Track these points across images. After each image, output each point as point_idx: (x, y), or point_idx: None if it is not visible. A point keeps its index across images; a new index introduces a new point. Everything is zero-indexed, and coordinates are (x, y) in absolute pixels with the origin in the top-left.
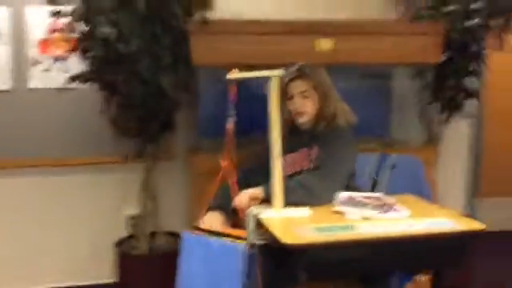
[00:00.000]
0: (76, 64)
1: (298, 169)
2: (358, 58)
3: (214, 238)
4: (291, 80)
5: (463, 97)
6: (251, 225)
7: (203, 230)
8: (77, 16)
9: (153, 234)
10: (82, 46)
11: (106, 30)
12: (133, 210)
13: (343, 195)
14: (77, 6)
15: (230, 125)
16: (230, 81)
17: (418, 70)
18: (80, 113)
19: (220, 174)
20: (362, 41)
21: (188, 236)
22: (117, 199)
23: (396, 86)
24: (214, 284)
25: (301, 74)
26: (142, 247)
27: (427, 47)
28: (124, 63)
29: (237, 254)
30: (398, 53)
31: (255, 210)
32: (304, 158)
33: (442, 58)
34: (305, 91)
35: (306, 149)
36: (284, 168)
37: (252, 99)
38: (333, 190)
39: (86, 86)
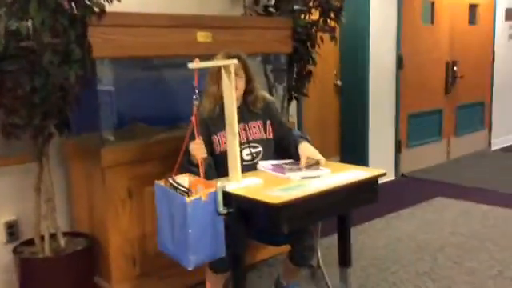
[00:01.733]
0: None
1: (252, 138)
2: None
3: (172, 190)
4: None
5: (304, 80)
6: (219, 196)
7: (169, 182)
8: None
9: (52, 236)
10: None
11: (16, 24)
12: (9, 216)
13: (266, 163)
14: None
15: (195, 107)
16: (192, 70)
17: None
18: None
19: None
20: (233, 34)
21: (157, 186)
22: None
23: None
24: (175, 227)
25: (236, 57)
26: (44, 250)
27: (281, 39)
28: (24, 57)
29: (184, 207)
30: (260, 44)
31: (220, 184)
32: (259, 130)
33: (291, 48)
34: (237, 70)
35: (260, 122)
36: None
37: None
38: None
39: None
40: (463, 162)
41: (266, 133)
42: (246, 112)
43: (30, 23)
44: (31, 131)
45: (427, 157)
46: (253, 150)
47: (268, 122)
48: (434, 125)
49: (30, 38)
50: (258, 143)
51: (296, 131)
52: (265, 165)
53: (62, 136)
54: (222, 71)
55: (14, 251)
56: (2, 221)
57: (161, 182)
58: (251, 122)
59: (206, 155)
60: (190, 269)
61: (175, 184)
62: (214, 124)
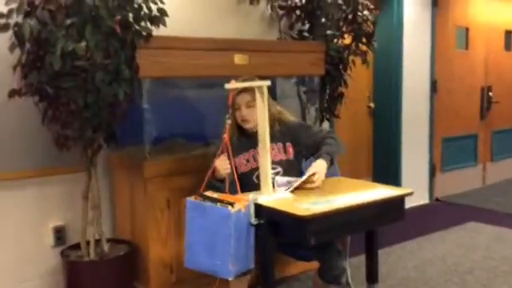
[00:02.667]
0: None
1: (271, 159)
2: (266, 71)
3: (208, 203)
4: (239, 93)
5: (336, 101)
6: (251, 208)
7: (202, 197)
8: (27, 31)
9: (97, 242)
10: (31, 59)
11: (73, 45)
12: (57, 221)
13: (282, 180)
14: (26, 22)
15: (227, 125)
16: (228, 90)
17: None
18: None
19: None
20: (269, 57)
21: (190, 201)
22: (40, 212)
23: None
24: (212, 241)
25: (246, 88)
26: (90, 254)
27: (315, 62)
28: (78, 75)
29: (226, 218)
30: (294, 66)
31: (252, 196)
32: (279, 151)
33: (324, 70)
34: (250, 101)
35: (280, 144)
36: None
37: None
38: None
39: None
40: (499, 187)
41: (285, 153)
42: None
43: (84, 45)
44: (82, 143)
45: (462, 181)
46: (272, 171)
47: (288, 143)
48: (469, 150)
49: (85, 58)
50: (278, 164)
51: (328, 144)
52: (280, 181)
53: (109, 148)
54: (256, 92)
55: (62, 254)
56: (50, 226)
57: (192, 198)
58: (271, 143)
59: (229, 170)
60: (230, 279)
61: (213, 198)
62: (233, 149)
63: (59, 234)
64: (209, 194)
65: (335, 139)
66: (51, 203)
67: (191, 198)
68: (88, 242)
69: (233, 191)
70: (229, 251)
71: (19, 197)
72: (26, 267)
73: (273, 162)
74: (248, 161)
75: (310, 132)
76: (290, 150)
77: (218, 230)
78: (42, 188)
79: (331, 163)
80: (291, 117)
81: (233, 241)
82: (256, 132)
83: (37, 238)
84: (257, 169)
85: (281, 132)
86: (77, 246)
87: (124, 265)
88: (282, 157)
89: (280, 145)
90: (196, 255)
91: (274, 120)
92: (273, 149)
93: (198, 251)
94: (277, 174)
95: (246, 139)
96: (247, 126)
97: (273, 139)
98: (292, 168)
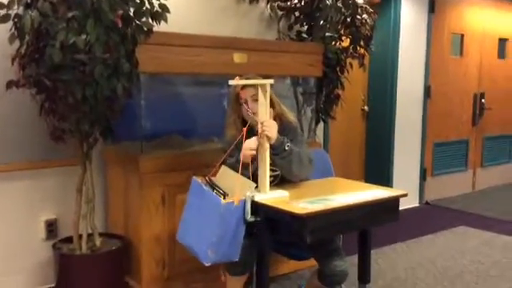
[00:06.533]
0: None
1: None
2: (265, 70)
3: (207, 188)
4: (243, 87)
5: (333, 103)
6: (247, 205)
7: (207, 180)
8: (28, 22)
9: (89, 236)
10: (30, 51)
11: (74, 38)
12: (50, 214)
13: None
14: (27, 14)
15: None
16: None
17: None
18: None
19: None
20: (268, 56)
21: (195, 181)
22: (32, 205)
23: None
24: (202, 223)
25: (248, 83)
26: (82, 248)
27: (312, 63)
28: (77, 68)
29: (216, 206)
30: (291, 67)
31: (249, 193)
32: None
33: (321, 72)
34: (255, 95)
35: None
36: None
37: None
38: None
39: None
40: (488, 193)
41: None
42: None
43: (84, 38)
44: (78, 136)
45: (452, 186)
46: (272, 173)
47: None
48: (460, 155)
49: (84, 51)
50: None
51: (299, 152)
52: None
53: (105, 142)
54: (259, 89)
55: (53, 247)
56: (42, 219)
57: (198, 179)
58: None
59: (254, 152)
60: (206, 264)
61: (213, 184)
62: (238, 147)
63: (51, 227)
64: (221, 173)
65: (309, 161)
66: (44, 196)
67: (198, 178)
68: (80, 236)
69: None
70: (211, 238)
71: (11, 189)
72: (16, 260)
73: (272, 164)
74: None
75: (300, 141)
76: None
77: (208, 215)
78: (34, 180)
79: (281, 149)
80: (292, 117)
81: (217, 230)
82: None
83: (28, 231)
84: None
85: (281, 131)
86: (69, 240)
87: (116, 260)
88: None
89: None
90: (187, 232)
91: (278, 118)
92: None
93: (189, 229)
94: (276, 177)
95: (250, 135)
96: (253, 120)
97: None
98: None
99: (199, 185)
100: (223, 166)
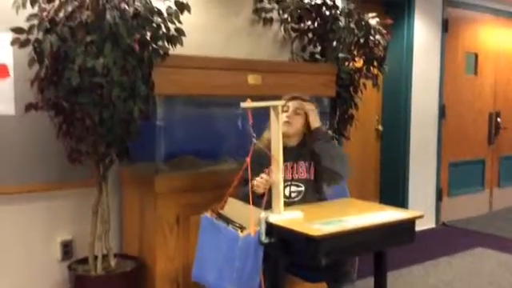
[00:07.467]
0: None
1: (297, 177)
2: (279, 91)
3: (221, 223)
4: (291, 99)
5: (347, 123)
6: (262, 226)
7: (218, 215)
8: (48, 46)
9: (104, 257)
10: (49, 74)
11: (92, 62)
12: (66, 235)
13: None
14: (47, 38)
15: (253, 143)
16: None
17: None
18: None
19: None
20: (281, 77)
21: (205, 218)
22: (48, 226)
23: None
24: (220, 260)
25: (298, 98)
26: (97, 269)
27: (326, 84)
28: (95, 91)
29: (234, 241)
30: (305, 87)
31: (263, 214)
32: (307, 169)
33: (335, 92)
34: (298, 108)
35: (308, 162)
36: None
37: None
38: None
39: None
40: (506, 213)
41: (309, 174)
42: (300, 151)
43: (102, 61)
44: (95, 158)
45: (469, 206)
46: (296, 189)
47: (312, 163)
48: (477, 175)
49: (102, 74)
50: (302, 183)
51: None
52: None
53: (121, 163)
54: (271, 111)
55: (69, 268)
56: (58, 240)
57: (208, 214)
58: (300, 161)
59: (263, 191)
60: None
61: (226, 218)
62: (265, 163)
63: (67, 247)
64: (230, 205)
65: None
66: (60, 217)
67: (208, 214)
68: (96, 257)
69: (268, 207)
70: (231, 274)
71: (28, 209)
72: (33, 280)
73: (298, 180)
74: None
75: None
76: (313, 170)
77: (225, 251)
78: (51, 201)
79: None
80: (328, 137)
81: (237, 264)
82: (291, 147)
83: (45, 252)
84: (285, 181)
85: (312, 151)
86: (84, 261)
87: (130, 280)
88: (307, 176)
89: (308, 164)
90: (203, 270)
91: (310, 132)
92: (301, 166)
93: (207, 268)
94: (299, 192)
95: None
96: (285, 128)
97: (306, 156)
98: (313, 188)
99: (211, 221)
100: (230, 197)
